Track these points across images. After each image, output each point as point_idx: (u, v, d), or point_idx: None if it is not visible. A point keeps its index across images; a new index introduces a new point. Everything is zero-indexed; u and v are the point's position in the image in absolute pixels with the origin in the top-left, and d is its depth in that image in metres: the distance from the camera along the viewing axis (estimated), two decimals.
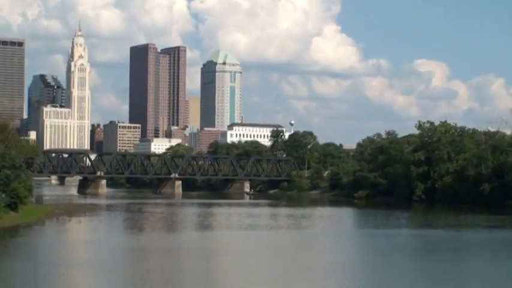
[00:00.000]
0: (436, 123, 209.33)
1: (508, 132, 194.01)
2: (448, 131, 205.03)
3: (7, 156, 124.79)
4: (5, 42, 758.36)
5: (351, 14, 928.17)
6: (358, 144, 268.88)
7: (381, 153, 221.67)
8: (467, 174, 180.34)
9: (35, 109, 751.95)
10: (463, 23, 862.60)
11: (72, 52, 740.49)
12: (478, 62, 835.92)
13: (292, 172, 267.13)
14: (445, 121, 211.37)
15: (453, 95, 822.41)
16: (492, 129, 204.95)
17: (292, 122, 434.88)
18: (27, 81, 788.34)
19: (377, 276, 66.97)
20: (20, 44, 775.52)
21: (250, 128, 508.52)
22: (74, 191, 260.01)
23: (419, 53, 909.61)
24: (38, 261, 75.07)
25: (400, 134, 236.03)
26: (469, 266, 75.73)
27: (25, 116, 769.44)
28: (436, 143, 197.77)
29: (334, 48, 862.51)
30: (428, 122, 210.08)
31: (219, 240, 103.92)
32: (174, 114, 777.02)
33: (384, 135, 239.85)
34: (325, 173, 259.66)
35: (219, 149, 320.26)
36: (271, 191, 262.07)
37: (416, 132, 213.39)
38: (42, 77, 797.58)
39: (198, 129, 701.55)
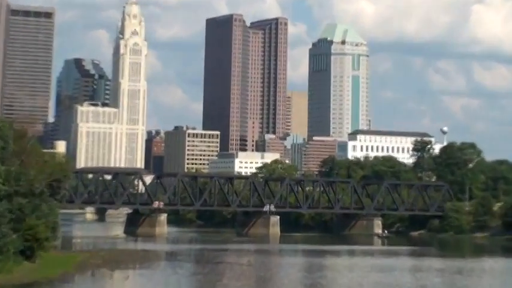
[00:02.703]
0: None
1: None
2: None
3: (22, 177, 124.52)
4: (27, 13, 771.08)
5: None
6: None
7: None
8: None
9: (65, 109, 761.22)
10: None
11: (122, 27, 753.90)
12: None
13: (446, 204, 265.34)
14: None
15: None
16: None
17: (445, 128, 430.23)
18: (57, 69, 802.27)
19: None
20: (48, 15, 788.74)
21: (382, 138, 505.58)
22: (119, 230, 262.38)
23: None
24: None
25: None
26: None
27: (51, 118, 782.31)
28: None
29: (503, 21, 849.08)
30: None
31: None
32: (270, 118, 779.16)
33: None
34: (496, 206, 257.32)
35: (336, 169, 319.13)
36: (415, 233, 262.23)
37: None
38: (77, 63, 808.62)
39: (304, 139, 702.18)
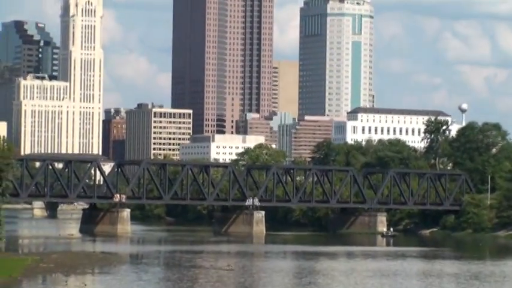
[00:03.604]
0: None
1: None
2: None
3: None
4: None
5: None
6: None
7: None
8: None
9: (4, 83, 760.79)
10: None
11: None
12: None
13: (464, 197, 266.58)
14: None
15: None
16: None
17: (464, 106, 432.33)
18: None
19: None
20: None
21: (388, 117, 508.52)
22: (74, 229, 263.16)
23: None
24: None
25: None
26: None
27: None
28: None
29: None
30: None
31: None
32: (253, 93, 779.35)
33: None
34: None
35: (332, 155, 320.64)
36: (426, 231, 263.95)
37: None
38: (18, 26, 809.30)
39: (294, 119, 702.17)
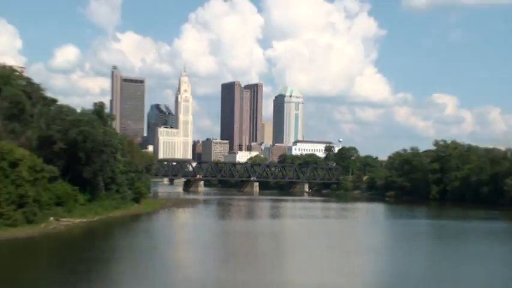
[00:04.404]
0: (448, 141, 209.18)
1: (502, 149, 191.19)
2: (457, 148, 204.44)
3: (132, 163, 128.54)
4: (131, 80, 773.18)
5: (385, 59, 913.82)
6: (389, 157, 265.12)
7: (406, 163, 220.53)
8: (471, 180, 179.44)
9: (152, 129, 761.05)
10: (469, 66, 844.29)
11: (179, 87, 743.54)
12: (480, 95, 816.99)
13: (340, 177, 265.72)
14: (455, 140, 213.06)
15: (461, 121, 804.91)
16: (491, 146, 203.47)
17: (341, 140, 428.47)
18: (147, 109, 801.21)
19: (401, 254, 68.72)
20: (141, 81, 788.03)
21: (309, 144, 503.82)
22: (180, 189, 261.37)
23: (437, 88, 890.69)
24: (154, 239, 78.51)
25: (421, 149, 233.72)
26: (472, 250, 75.57)
27: (145, 134, 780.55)
28: (448, 156, 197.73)
29: (371, 85, 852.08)
30: (442, 140, 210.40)
31: (284, 226, 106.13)
32: (254, 134, 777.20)
33: (408, 150, 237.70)
34: (364, 178, 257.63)
35: (286, 160, 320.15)
36: (324, 191, 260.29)
37: (433, 148, 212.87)
38: (157, 106, 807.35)
39: (271, 145, 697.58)
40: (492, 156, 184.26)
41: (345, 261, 61.46)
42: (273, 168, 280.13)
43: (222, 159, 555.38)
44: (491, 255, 69.15)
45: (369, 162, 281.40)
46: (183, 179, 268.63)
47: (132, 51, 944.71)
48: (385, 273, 55.24)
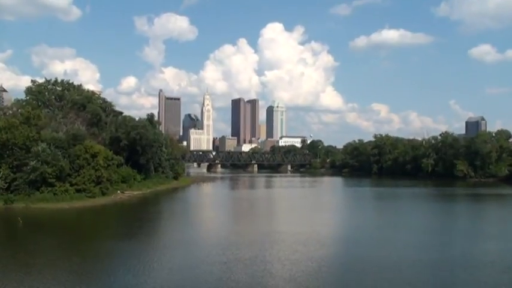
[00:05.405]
0: (383, 135, 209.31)
1: (419, 139, 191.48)
2: (389, 139, 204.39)
3: (172, 153, 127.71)
4: (171, 98, 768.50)
5: (339, 81, 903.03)
6: (344, 146, 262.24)
7: (355, 150, 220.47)
8: (399, 160, 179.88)
9: (185, 131, 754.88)
10: (395, 84, 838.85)
11: (203, 102, 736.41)
12: (403, 103, 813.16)
13: (311, 160, 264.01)
14: (387, 134, 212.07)
15: (391, 121, 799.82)
16: (411, 137, 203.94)
17: (311, 135, 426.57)
18: (182, 117, 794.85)
19: (353, 209, 68.76)
20: (178, 99, 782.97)
21: (291, 138, 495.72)
22: (204, 170, 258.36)
23: (374, 99, 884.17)
24: (187, 203, 78.66)
25: (365, 140, 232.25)
26: (400, 205, 76.27)
27: (181, 134, 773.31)
28: (383, 145, 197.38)
29: (331, 99, 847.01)
30: (379, 134, 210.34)
31: (274, 193, 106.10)
32: (253, 132, 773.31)
33: (356, 141, 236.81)
34: (328, 160, 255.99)
35: (275, 149, 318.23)
36: (302, 169, 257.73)
37: (373, 139, 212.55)
38: (189, 115, 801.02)
39: (265, 139, 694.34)
40: (413, 144, 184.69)
41: (316, 216, 61.89)
42: (266, 155, 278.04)
43: (233, 150, 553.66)
44: (414, 209, 70.51)
45: (330, 150, 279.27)
46: (207, 164, 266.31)
47: (172, 79, 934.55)
48: (344, 223, 55.60)
